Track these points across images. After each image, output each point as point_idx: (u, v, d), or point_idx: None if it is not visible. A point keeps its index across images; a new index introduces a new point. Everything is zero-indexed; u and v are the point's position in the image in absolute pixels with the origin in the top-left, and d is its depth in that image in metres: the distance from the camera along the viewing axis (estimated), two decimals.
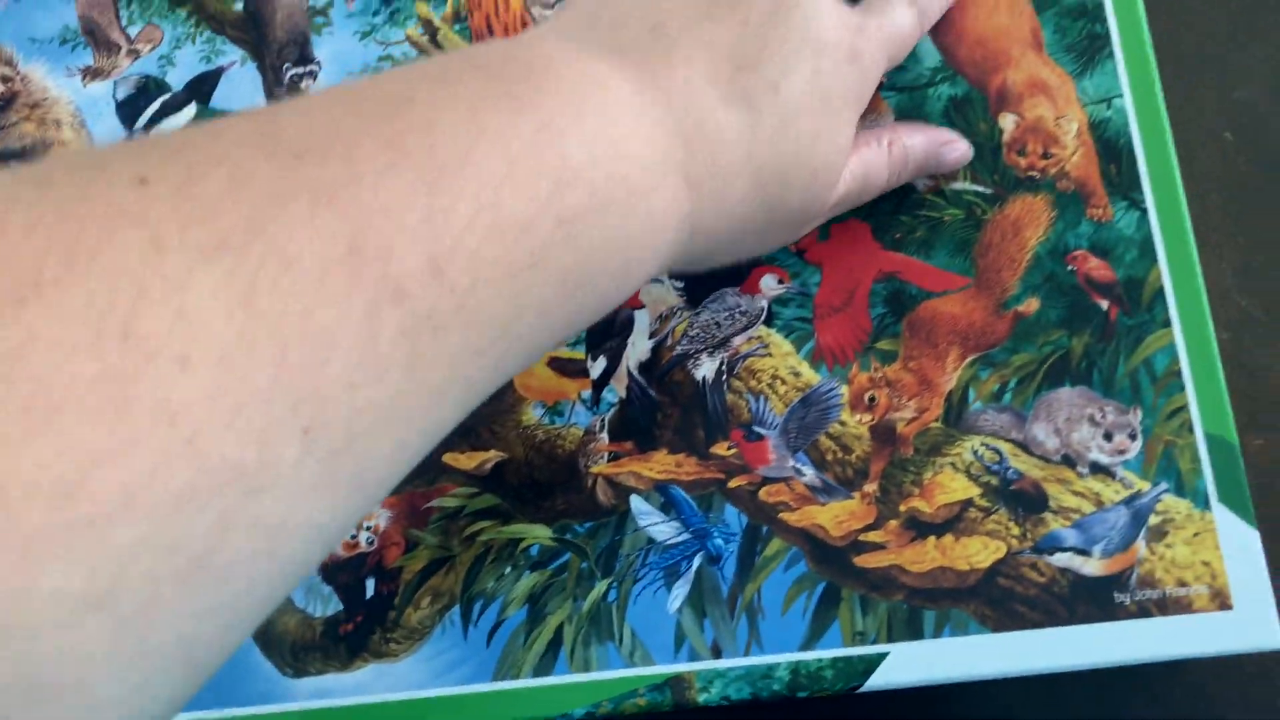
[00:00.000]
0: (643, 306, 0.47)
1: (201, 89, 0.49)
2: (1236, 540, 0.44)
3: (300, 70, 0.50)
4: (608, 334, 0.47)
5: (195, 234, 0.22)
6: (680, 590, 0.45)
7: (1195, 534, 0.44)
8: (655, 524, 0.45)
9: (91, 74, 0.50)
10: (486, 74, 0.30)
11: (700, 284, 0.48)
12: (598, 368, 0.47)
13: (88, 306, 0.20)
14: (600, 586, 0.45)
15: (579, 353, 0.47)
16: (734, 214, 0.37)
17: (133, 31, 0.50)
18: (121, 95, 0.49)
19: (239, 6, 0.50)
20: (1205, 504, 0.44)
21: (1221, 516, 0.44)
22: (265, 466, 0.22)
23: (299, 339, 0.22)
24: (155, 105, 0.49)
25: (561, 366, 0.47)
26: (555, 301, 0.29)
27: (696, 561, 0.45)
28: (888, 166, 0.44)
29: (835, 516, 0.45)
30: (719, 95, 0.35)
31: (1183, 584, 0.43)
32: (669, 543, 0.45)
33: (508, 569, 0.45)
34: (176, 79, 0.50)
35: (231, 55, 0.50)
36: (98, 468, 0.20)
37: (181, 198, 0.22)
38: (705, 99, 0.34)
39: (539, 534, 0.45)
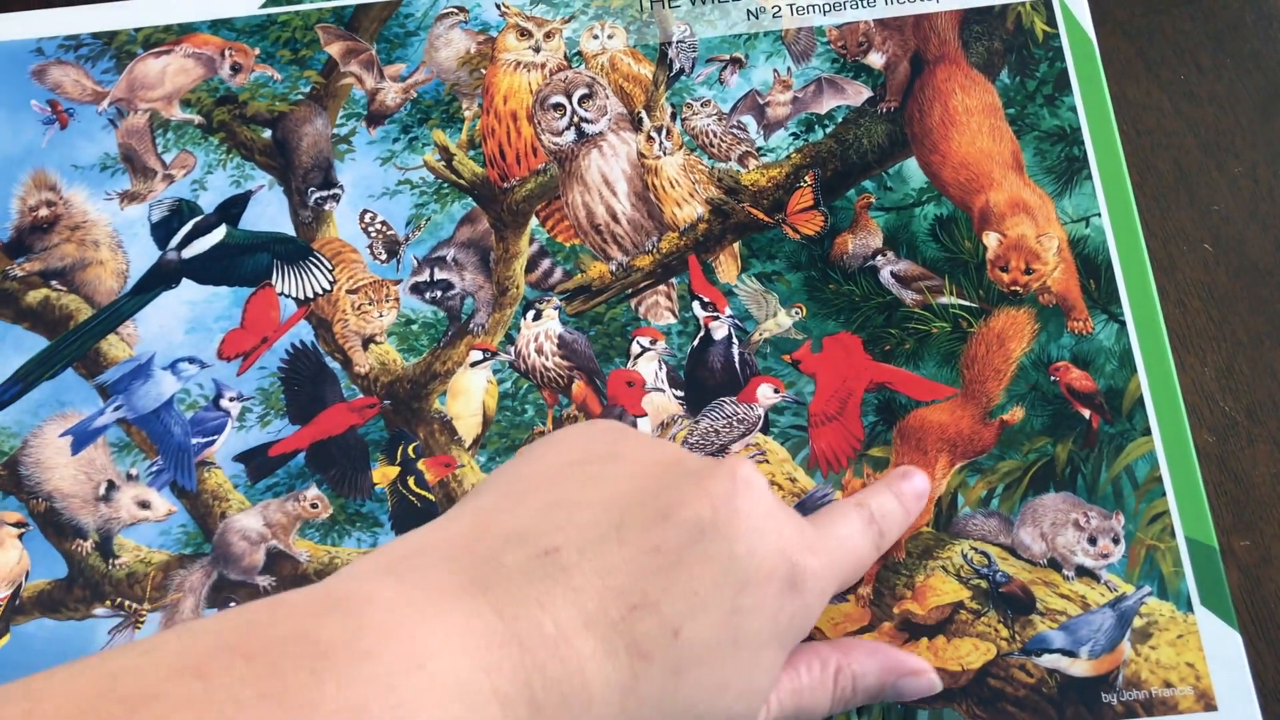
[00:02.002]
0: (644, 414, 0.50)
1: (231, 211, 0.53)
2: (1219, 642, 0.45)
3: (324, 194, 0.53)
4: None
5: None
6: None
7: (1179, 636, 0.45)
8: None
9: (129, 198, 0.53)
10: (258, 664, 0.25)
11: (699, 393, 0.50)
12: None
13: None
14: None
15: None
16: None
17: (168, 158, 0.54)
18: (156, 218, 0.53)
19: (267, 134, 0.54)
20: (1188, 607, 0.46)
21: (1204, 619, 0.46)
22: None
23: None
24: (187, 227, 0.52)
25: None
26: None
27: None
28: (830, 697, 0.37)
29: (832, 619, 0.47)
30: (597, 643, 0.30)
31: (1168, 685, 0.45)
32: None
33: None
34: (208, 202, 0.53)
35: (260, 179, 0.53)
36: None
37: None
38: (575, 650, 0.29)
39: None
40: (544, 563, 0.30)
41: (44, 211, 0.53)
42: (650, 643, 0.30)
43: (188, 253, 0.52)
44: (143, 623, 0.47)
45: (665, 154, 0.53)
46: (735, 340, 0.50)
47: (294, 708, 0.25)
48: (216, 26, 0.55)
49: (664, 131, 0.53)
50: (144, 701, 0.24)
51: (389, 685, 0.26)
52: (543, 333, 0.51)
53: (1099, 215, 0.51)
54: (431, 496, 0.49)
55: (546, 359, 0.51)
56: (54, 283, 0.52)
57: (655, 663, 0.30)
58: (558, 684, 0.29)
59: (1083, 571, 0.47)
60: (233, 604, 0.48)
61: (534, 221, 0.53)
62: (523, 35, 0.55)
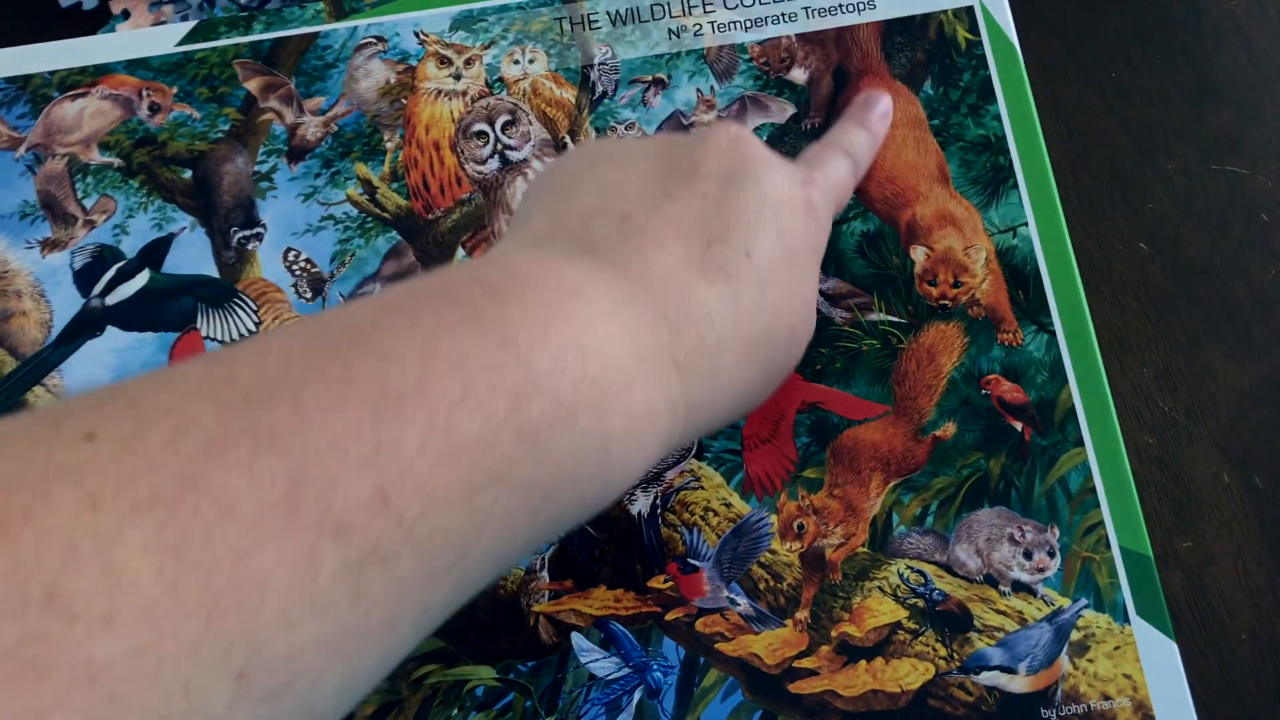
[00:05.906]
0: None
1: (153, 255, 0.52)
2: (1156, 652, 0.45)
3: (247, 233, 0.52)
4: None
5: (131, 489, 0.22)
6: None
7: (1116, 647, 0.45)
8: (596, 660, 0.47)
9: (50, 245, 0.52)
10: (449, 299, 0.30)
11: None
12: None
13: (14, 570, 0.21)
14: None
15: None
16: (732, 384, 0.36)
17: (88, 203, 0.53)
18: (78, 265, 0.52)
19: (187, 175, 0.53)
20: (1124, 618, 0.46)
21: (1140, 629, 0.46)
22: (192, 714, 0.22)
23: (231, 586, 0.22)
24: (110, 273, 0.52)
25: None
26: (522, 515, 0.29)
27: (637, 696, 0.46)
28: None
29: (769, 645, 0.47)
30: (697, 273, 0.35)
31: (1106, 697, 0.45)
32: (610, 678, 0.47)
33: (454, 711, 0.47)
34: (130, 247, 0.52)
35: (182, 221, 0.53)
36: None
37: (125, 452, 0.23)
38: (684, 280, 0.35)
39: (484, 675, 0.47)
40: (624, 226, 0.35)
41: None
42: (734, 266, 0.36)
43: (111, 299, 0.51)
44: None
45: None
46: None
47: (488, 324, 0.29)
48: (133, 66, 0.55)
49: None
50: (363, 332, 0.27)
51: (557, 305, 0.31)
52: None
53: (1026, 225, 0.51)
54: None
55: None
56: None
57: (743, 280, 0.36)
58: (682, 306, 0.34)
59: (1019, 586, 0.47)
60: None
61: (460, 253, 0.52)
62: (442, 63, 0.54)
